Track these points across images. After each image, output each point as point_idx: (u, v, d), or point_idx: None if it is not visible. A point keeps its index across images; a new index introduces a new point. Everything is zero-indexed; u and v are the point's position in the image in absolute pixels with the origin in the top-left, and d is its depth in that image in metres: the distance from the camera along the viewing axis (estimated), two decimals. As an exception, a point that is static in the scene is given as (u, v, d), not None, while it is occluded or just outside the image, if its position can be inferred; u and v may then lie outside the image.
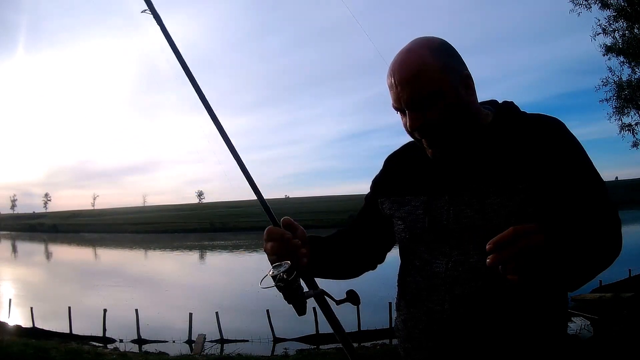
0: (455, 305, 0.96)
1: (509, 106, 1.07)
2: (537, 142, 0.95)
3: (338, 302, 1.08)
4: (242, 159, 1.11)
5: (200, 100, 1.08)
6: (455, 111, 0.97)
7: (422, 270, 1.04)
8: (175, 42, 1.10)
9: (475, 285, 0.95)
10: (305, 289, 1.05)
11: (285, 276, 0.95)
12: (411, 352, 1.05)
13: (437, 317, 0.98)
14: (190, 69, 1.10)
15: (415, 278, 1.06)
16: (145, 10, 1.09)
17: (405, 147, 1.19)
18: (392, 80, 0.99)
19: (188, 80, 1.07)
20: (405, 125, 1.02)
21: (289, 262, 0.97)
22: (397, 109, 1.02)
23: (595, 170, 0.97)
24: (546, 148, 0.95)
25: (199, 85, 1.10)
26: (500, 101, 1.10)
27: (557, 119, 1.00)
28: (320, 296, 1.07)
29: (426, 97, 0.95)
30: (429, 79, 0.95)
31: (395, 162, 1.20)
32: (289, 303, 0.99)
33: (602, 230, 0.91)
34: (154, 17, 1.10)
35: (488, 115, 1.05)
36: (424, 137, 1.00)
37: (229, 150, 1.10)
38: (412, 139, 1.06)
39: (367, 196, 1.23)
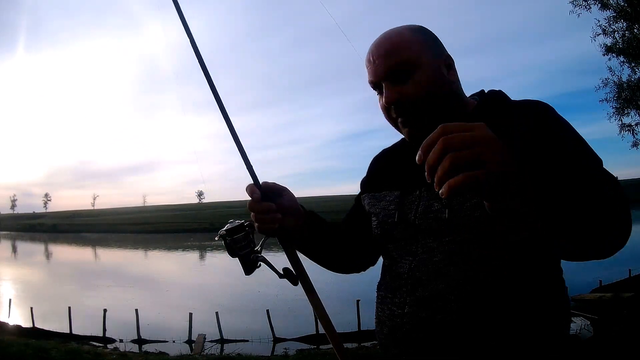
0: (415, 309, 0.89)
1: (495, 93, 1.00)
2: (520, 126, 0.86)
3: (280, 276, 1.05)
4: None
5: (212, 94, 1.04)
6: (434, 87, 0.93)
7: (390, 270, 1.00)
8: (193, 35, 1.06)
9: (436, 288, 0.87)
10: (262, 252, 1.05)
11: (225, 233, 0.99)
12: (383, 357, 0.99)
13: (398, 321, 0.92)
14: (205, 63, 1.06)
15: (385, 279, 1.02)
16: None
17: (392, 146, 1.16)
18: (370, 56, 0.96)
19: (202, 73, 1.03)
20: (381, 106, 0.98)
21: (242, 221, 1.00)
22: (373, 85, 0.98)
23: (591, 148, 0.85)
24: (529, 131, 0.84)
25: (212, 79, 1.06)
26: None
27: (544, 102, 0.91)
28: (263, 261, 1.04)
29: (403, 68, 0.92)
30: (407, 50, 0.92)
31: (378, 159, 1.17)
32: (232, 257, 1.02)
33: (602, 190, 0.72)
34: (174, 5, 1.05)
35: (473, 103, 1.00)
36: (400, 114, 0.95)
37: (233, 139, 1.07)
38: (387, 120, 1.00)
39: (357, 196, 1.21)
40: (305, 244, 1.12)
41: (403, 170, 1.02)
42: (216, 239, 1.00)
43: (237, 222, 1.01)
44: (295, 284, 1.04)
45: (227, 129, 1.05)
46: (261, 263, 1.03)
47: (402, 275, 0.94)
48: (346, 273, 1.23)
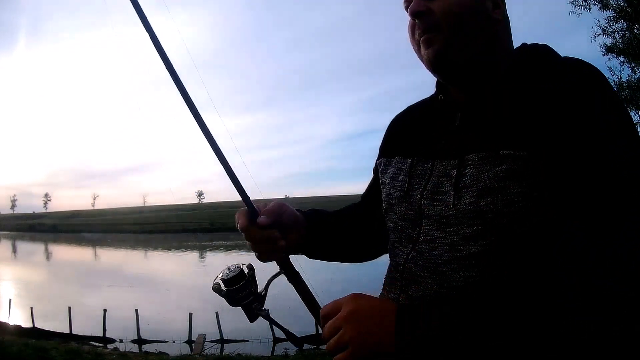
0: None
1: (537, 48, 0.81)
2: (552, 94, 0.69)
3: (286, 336, 0.98)
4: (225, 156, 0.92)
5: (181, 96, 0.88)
6: (468, 11, 0.77)
7: (390, 256, 0.88)
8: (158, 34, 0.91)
9: (430, 288, 0.75)
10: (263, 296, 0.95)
11: (220, 284, 0.89)
12: None
13: None
14: (171, 61, 0.91)
15: (390, 263, 0.88)
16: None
17: (416, 103, 0.99)
18: None
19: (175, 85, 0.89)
20: (408, 27, 0.83)
21: (240, 266, 0.88)
22: (406, 1, 0.82)
23: (629, 146, 0.65)
24: (560, 104, 0.67)
25: (182, 81, 0.91)
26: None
27: (592, 67, 0.72)
28: (266, 317, 0.97)
29: None
30: None
31: (399, 118, 1.01)
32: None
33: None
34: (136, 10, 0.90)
35: (511, 58, 0.81)
36: (423, 31, 0.80)
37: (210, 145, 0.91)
38: (412, 45, 0.85)
39: (375, 164, 1.03)
40: (312, 251, 1.01)
41: (421, 133, 0.88)
42: (212, 288, 0.90)
43: (235, 267, 0.89)
44: (299, 347, 0.99)
45: (206, 137, 0.91)
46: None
47: (398, 266, 0.82)
48: (364, 261, 1.10)
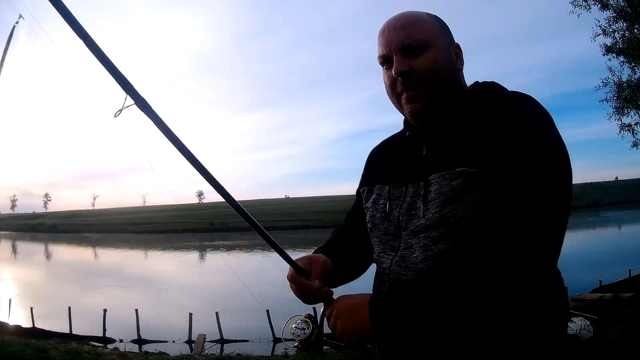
0: None
1: (485, 85, 1.00)
2: (496, 120, 0.86)
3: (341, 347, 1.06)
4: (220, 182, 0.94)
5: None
6: (444, 67, 0.94)
7: (377, 266, 1.04)
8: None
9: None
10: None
11: (304, 340, 1.03)
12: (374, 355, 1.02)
13: None
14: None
15: (376, 271, 1.05)
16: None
17: (388, 138, 1.17)
18: (385, 29, 0.96)
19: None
20: (387, 81, 0.98)
21: (308, 322, 1.03)
22: (383, 58, 0.97)
23: (559, 161, 0.83)
24: (503, 127, 0.84)
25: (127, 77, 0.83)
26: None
27: (529, 97, 0.89)
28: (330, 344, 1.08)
29: (418, 44, 0.92)
30: (423, 29, 0.94)
31: (375, 152, 1.19)
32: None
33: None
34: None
35: (466, 96, 0.99)
36: (407, 87, 0.94)
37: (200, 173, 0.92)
38: (390, 97, 0.99)
39: (357, 190, 1.21)
40: (337, 283, 1.12)
41: (395, 164, 1.04)
42: (293, 347, 1.06)
43: (304, 325, 1.03)
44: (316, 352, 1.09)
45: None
46: None
47: (385, 270, 0.98)
48: (363, 273, 1.23)
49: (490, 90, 0.97)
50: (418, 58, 0.92)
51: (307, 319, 1.04)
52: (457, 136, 0.92)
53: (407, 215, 0.95)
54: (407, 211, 0.95)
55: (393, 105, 1.01)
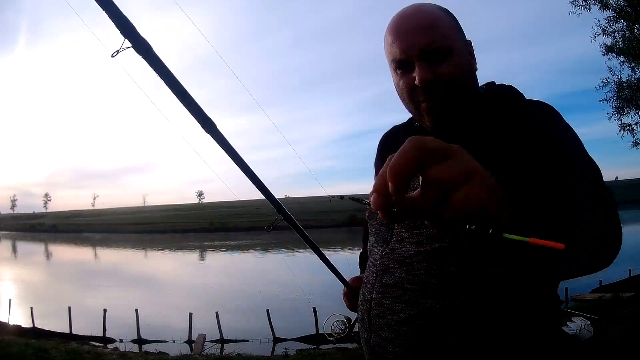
0: (380, 295, 0.92)
1: (502, 87, 0.95)
2: (517, 126, 0.82)
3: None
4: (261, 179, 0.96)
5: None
6: (467, 73, 0.89)
7: (370, 254, 1.04)
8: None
9: (399, 276, 0.89)
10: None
11: (339, 337, 1.26)
12: (363, 345, 1.00)
13: (367, 306, 0.95)
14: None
15: (369, 261, 1.04)
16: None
17: (400, 125, 1.12)
18: (403, 29, 0.86)
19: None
20: (402, 87, 0.90)
21: (347, 325, 1.26)
22: (401, 62, 0.88)
23: (590, 160, 0.78)
24: (520, 132, 0.80)
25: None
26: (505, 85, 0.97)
27: (552, 107, 0.85)
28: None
29: (441, 49, 0.85)
30: (445, 32, 0.86)
31: (385, 138, 1.17)
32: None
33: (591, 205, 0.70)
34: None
35: (479, 95, 0.95)
36: (429, 97, 0.87)
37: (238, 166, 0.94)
38: (406, 103, 0.93)
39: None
40: None
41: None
42: (329, 340, 1.28)
43: (343, 326, 1.27)
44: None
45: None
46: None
47: (375, 262, 0.97)
48: None
49: (511, 94, 0.92)
50: (442, 65, 0.85)
51: (346, 321, 1.24)
52: (469, 137, 0.85)
53: None
54: None
55: (405, 108, 0.95)
